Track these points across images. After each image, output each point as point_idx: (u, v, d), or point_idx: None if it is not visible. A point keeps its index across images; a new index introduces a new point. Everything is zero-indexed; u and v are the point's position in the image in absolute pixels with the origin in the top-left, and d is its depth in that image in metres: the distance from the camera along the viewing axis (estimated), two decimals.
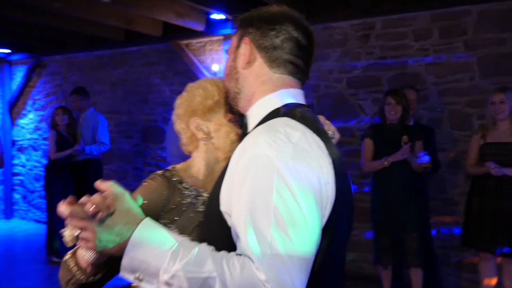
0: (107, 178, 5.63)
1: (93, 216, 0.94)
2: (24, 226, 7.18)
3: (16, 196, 7.77)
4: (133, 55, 6.30)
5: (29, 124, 7.57)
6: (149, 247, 0.93)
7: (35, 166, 7.51)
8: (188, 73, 5.74)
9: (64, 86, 7.07)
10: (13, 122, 7.72)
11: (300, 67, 1.15)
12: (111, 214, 0.97)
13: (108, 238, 0.95)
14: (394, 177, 3.70)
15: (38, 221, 7.37)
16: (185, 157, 1.38)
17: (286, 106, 1.08)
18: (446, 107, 4.31)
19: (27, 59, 7.38)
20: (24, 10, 4.87)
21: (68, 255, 1.16)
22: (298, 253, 0.88)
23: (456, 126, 4.27)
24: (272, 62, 1.12)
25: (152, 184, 1.31)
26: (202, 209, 1.29)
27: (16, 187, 7.77)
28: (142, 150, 6.26)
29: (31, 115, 7.53)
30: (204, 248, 0.94)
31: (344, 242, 1.12)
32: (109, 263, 1.10)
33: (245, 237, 0.90)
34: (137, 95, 6.29)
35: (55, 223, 5.34)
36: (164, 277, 0.90)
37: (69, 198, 0.99)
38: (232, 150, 1.10)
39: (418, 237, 3.67)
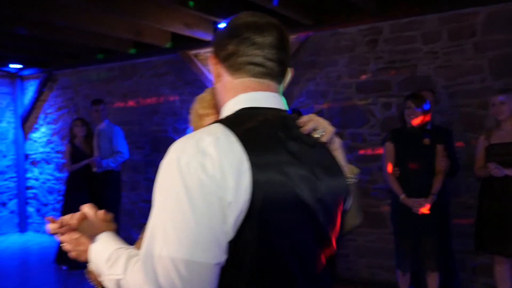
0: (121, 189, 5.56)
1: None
2: (38, 239, 7.22)
3: (30, 209, 7.83)
4: (143, 67, 6.35)
5: (41, 137, 7.64)
6: (97, 257, 1.11)
7: (48, 179, 7.57)
8: (198, 83, 5.77)
9: (75, 99, 7.14)
10: (25, 136, 7.81)
11: (264, 65, 1.10)
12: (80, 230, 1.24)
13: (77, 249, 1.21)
14: (412, 181, 3.68)
15: (52, 234, 7.40)
16: None
17: (239, 111, 1.08)
18: (457, 110, 4.28)
19: (38, 73, 7.47)
20: (34, 25, 4.93)
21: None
22: (182, 256, 0.88)
23: (468, 129, 4.24)
24: (231, 68, 1.11)
25: None
26: None
27: (30, 201, 7.83)
28: (153, 160, 6.28)
29: (43, 129, 7.61)
30: (124, 253, 1.05)
31: (291, 250, 1.00)
32: None
33: (144, 238, 0.95)
34: (147, 106, 6.33)
35: None
36: (103, 279, 1.07)
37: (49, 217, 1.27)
38: None
39: (436, 241, 3.65)
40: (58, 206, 7.32)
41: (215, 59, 1.15)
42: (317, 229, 1.05)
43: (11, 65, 7.21)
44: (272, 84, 1.12)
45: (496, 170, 3.42)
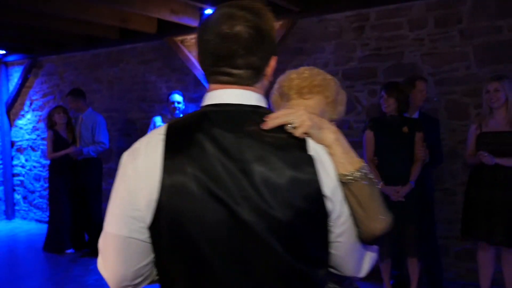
0: (107, 176, 5.60)
1: None
2: (26, 226, 7.20)
3: (17, 196, 7.78)
4: (129, 53, 6.28)
5: (27, 124, 7.57)
6: None
7: (34, 166, 7.52)
8: (184, 69, 5.72)
9: (61, 86, 7.06)
10: (11, 123, 7.72)
11: (213, 70, 1.11)
12: None
13: None
14: (390, 169, 3.71)
15: (39, 221, 7.39)
16: None
17: (203, 108, 1.13)
18: (443, 97, 4.29)
19: (23, 59, 7.36)
20: (19, 13, 4.85)
21: None
22: (108, 235, 1.08)
23: (453, 116, 4.26)
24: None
25: None
26: None
27: (17, 188, 7.78)
28: None
29: (29, 116, 7.53)
30: None
31: (206, 244, 1.01)
32: None
33: None
34: (134, 93, 6.28)
35: (58, 221, 5.37)
36: None
37: None
38: None
39: (416, 228, 3.69)
40: (44, 193, 7.29)
41: None
42: (242, 226, 1.00)
43: None
44: (225, 82, 1.11)
45: (486, 158, 3.43)
